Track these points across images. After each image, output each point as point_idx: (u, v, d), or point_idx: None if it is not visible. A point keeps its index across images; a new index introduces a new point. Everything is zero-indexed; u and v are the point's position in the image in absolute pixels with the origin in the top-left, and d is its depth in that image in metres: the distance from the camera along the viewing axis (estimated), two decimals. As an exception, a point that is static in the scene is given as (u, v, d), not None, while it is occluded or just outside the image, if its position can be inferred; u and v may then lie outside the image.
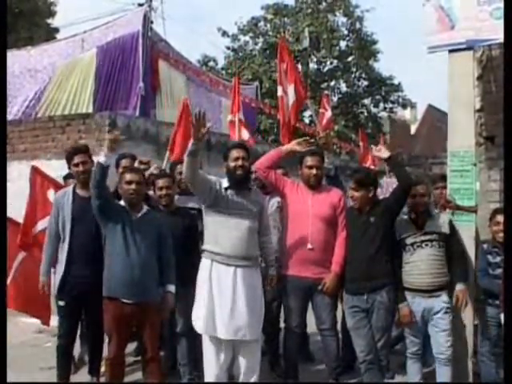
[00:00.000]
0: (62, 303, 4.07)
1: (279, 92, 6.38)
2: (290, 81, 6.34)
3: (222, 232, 3.74)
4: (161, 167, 5.34)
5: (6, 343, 3.14)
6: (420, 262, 3.86)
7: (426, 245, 3.89)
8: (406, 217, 4.11)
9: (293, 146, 4.21)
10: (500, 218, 3.89)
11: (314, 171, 4.13)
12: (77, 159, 4.14)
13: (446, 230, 3.95)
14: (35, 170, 4.97)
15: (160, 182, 4.25)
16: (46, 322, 4.89)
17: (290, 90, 6.33)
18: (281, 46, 6.55)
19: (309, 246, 4.03)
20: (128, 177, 3.78)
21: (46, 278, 4.11)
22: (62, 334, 4.14)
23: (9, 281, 4.65)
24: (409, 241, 3.93)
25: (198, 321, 3.75)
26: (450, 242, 3.94)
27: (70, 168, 4.27)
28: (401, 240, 3.97)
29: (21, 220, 4.88)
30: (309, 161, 4.14)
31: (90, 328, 4.29)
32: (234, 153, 3.82)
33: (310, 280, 4.05)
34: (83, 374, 4.37)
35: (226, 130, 11.23)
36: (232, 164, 3.80)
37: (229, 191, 3.80)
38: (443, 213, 4.19)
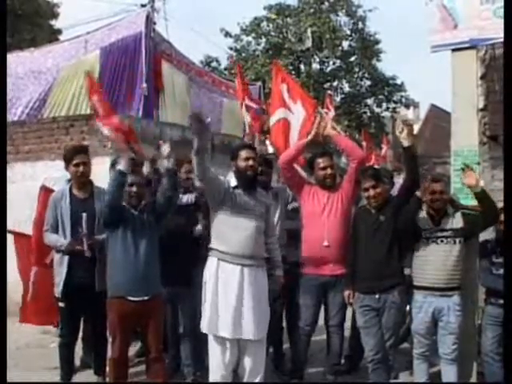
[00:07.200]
0: (63, 304, 4.06)
1: (280, 115, 5.75)
2: (295, 98, 5.90)
3: (229, 231, 3.72)
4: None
5: (5, 343, 3.14)
6: (434, 258, 3.85)
7: (442, 241, 3.87)
8: (423, 213, 4.06)
9: (314, 132, 4.32)
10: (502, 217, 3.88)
11: (328, 171, 4.24)
12: (78, 159, 4.08)
13: (461, 224, 3.91)
14: (43, 189, 4.67)
15: (131, 179, 3.83)
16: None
17: (297, 107, 5.84)
18: (276, 69, 6.21)
19: (325, 243, 4.09)
20: (129, 179, 3.77)
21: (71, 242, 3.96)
22: (65, 334, 4.15)
23: (29, 298, 4.50)
24: (424, 236, 3.91)
25: (203, 320, 3.75)
26: (467, 232, 3.89)
27: (67, 168, 4.15)
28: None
29: (25, 223, 4.79)
30: (321, 162, 4.25)
31: (94, 328, 4.26)
32: (244, 153, 3.79)
33: (326, 277, 4.14)
34: (85, 376, 4.38)
35: (227, 130, 11.26)
36: (242, 164, 3.76)
37: (236, 191, 3.79)
38: None
